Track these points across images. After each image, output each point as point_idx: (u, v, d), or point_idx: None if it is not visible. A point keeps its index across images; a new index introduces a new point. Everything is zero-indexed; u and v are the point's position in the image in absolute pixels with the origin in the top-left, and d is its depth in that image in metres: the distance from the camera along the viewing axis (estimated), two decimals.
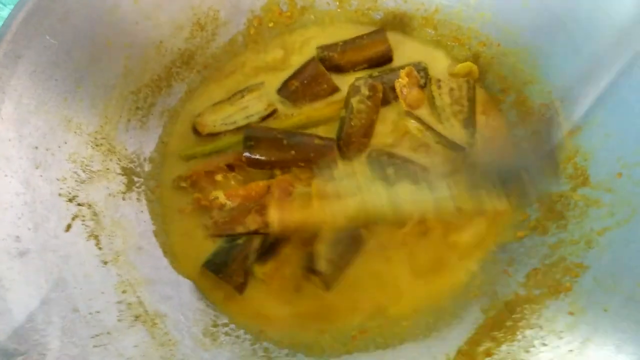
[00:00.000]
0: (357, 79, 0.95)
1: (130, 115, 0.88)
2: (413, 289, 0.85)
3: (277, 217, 0.83)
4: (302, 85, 0.98)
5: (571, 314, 0.72)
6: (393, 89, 0.97)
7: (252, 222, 0.85)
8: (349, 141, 0.91)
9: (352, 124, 0.92)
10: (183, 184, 0.91)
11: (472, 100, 0.96)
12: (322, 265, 0.81)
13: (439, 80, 0.98)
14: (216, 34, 1.00)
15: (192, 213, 0.89)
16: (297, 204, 0.84)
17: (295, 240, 0.86)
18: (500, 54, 0.97)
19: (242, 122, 0.96)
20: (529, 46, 0.93)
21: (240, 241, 0.85)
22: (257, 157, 0.88)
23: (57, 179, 0.76)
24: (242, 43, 1.03)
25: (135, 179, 0.87)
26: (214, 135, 0.95)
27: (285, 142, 0.89)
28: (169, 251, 0.86)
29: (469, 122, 0.95)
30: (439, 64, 1.04)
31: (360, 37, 1.03)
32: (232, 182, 0.91)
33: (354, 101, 0.93)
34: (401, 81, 0.95)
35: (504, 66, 0.98)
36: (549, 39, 0.90)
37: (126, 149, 0.87)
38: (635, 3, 0.77)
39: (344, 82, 1.00)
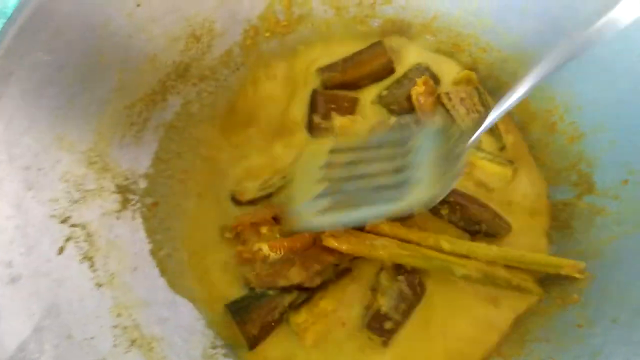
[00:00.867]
0: (400, 117, 0.93)
1: (124, 131, 0.86)
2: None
3: (331, 240, 0.80)
4: (323, 117, 0.96)
5: (579, 326, 0.70)
6: (408, 99, 0.96)
7: (295, 275, 0.80)
8: None
9: None
10: (228, 235, 0.88)
11: (486, 106, 0.94)
12: (388, 325, 0.78)
13: (447, 93, 0.96)
14: (212, 45, 0.98)
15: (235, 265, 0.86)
16: (352, 231, 0.80)
17: (333, 294, 0.82)
18: (500, 60, 0.95)
19: (279, 183, 0.92)
20: (530, 52, 0.91)
21: (271, 292, 0.81)
22: None
23: (50, 200, 0.74)
24: (238, 54, 1.01)
25: (130, 196, 0.85)
26: (253, 202, 0.92)
27: None
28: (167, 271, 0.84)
29: (492, 127, 0.92)
30: (442, 70, 1.02)
31: (359, 52, 1.01)
32: (277, 235, 0.87)
33: None
34: (418, 89, 0.93)
35: (504, 72, 0.96)
36: (550, 45, 0.88)
37: (120, 166, 0.85)
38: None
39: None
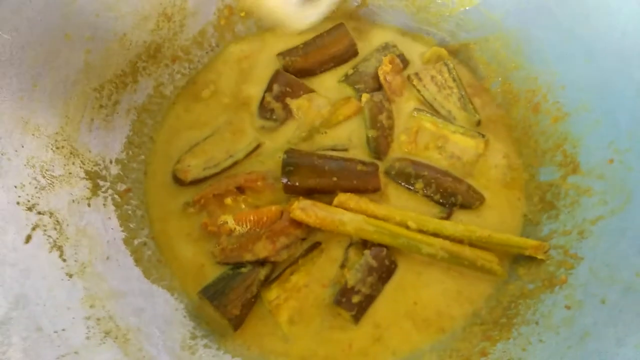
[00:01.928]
0: (372, 94, 0.91)
1: (93, 115, 0.82)
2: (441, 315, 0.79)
3: (299, 210, 0.78)
4: (275, 98, 0.93)
5: (567, 307, 0.69)
6: (374, 77, 0.94)
7: (261, 250, 0.78)
8: (384, 154, 0.90)
9: (388, 140, 0.90)
10: (191, 210, 0.85)
11: (457, 80, 0.94)
12: (356, 299, 0.76)
13: (416, 74, 0.94)
14: (184, 24, 0.94)
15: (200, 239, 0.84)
16: (320, 205, 0.79)
17: (304, 268, 0.80)
18: (482, 40, 0.94)
19: (225, 164, 0.89)
20: (512, 31, 0.90)
21: (244, 269, 0.78)
22: (297, 183, 0.82)
23: (15, 186, 0.70)
24: (212, 35, 0.97)
25: (101, 182, 0.80)
26: (198, 182, 0.88)
27: (326, 167, 0.84)
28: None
29: (464, 100, 0.92)
30: (410, 51, 1.00)
31: (320, 35, 0.98)
32: (243, 206, 0.85)
33: (382, 118, 0.90)
34: (385, 68, 0.92)
35: (486, 52, 0.94)
36: (533, 24, 0.87)
37: (90, 151, 0.81)
38: None
39: (315, 85, 0.97)
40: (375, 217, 0.80)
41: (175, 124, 0.94)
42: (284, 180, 0.82)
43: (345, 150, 0.90)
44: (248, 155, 0.90)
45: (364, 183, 0.84)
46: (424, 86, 0.93)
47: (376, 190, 0.85)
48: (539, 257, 0.77)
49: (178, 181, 0.87)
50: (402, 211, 0.81)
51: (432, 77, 0.93)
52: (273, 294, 0.77)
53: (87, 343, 0.65)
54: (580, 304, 0.68)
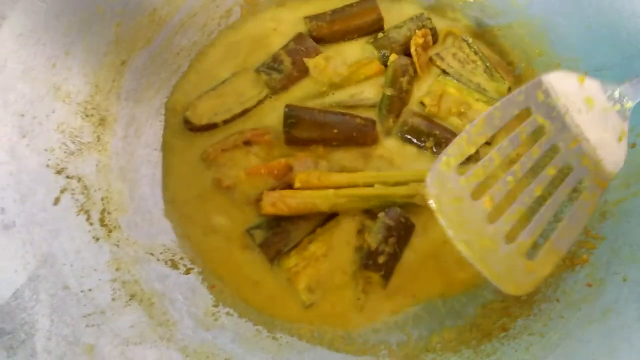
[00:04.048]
0: (398, 57, 0.93)
1: (121, 86, 0.83)
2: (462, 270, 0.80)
3: (269, 205, 0.79)
4: (288, 55, 0.94)
5: (589, 285, 0.70)
6: (402, 45, 0.95)
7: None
8: (395, 114, 0.91)
9: (403, 102, 0.92)
10: (202, 166, 0.86)
11: (479, 53, 0.95)
12: (382, 259, 0.77)
13: (437, 54, 0.95)
14: (212, 2, 0.96)
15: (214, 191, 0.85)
16: (287, 193, 0.80)
17: (322, 238, 0.81)
18: (506, 26, 0.95)
19: (237, 110, 0.90)
20: (536, 18, 0.91)
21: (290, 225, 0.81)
22: (298, 135, 0.86)
23: (45, 150, 0.71)
24: (238, 14, 0.99)
25: (127, 151, 0.82)
26: (211, 128, 0.89)
27: (326, 120, 0.87)
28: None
29: (490, 70, 0.93)
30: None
31: (350, 5, 1.00)
32: (252, 157, 0.87)
33: (403, 81, 0.92)
34: (418, 40, 0.93)
35: (510, 39, 0.95)
36: (557, 11, 0.88)
37: (116, 121, 0.82)
38: None
39: (337, 51, 0.98)
40: (341, 187, 0.81)
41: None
42: (286, 132, 0.86)
43: (355, 107, 0.92)
44: (259, 103, 0.92)
45: (362, 135, 0.88)
46: (447, 64, 0.94)
47: (374, 142, 0.89)
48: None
49: (190, 125, 0.89)
50: (363, 173, 0.85)
51: (454, 55, 0.94)
52: (292, 261, 0.78)
53: (112, 304, 0.66)
54: (602, 281, 0.69)
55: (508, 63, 0.96)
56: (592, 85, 0.68)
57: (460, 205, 0.61)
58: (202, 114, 0.89)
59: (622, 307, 0.64)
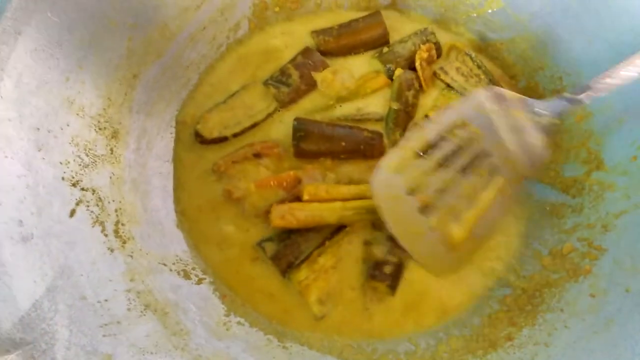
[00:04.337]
0: (405, 71, 0.95)
1: (134, 99, 0.85)
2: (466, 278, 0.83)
3: (278, 218, 0.81)
4: (296, 69, 0.96)
5: (592, 296, 0.71)
6: (407, 59, 0.97)
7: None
8: (401, 128, 0.93)
9: (409, 116, 0.94)
10: (212, 178, 0.89)
11: (482, 67, 0.97)
12: (388, 270, 0.79)
13: (441, 68, 0.97)
14: (222, 16, 0.97)
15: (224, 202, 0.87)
16: (296, 206, 0.82)
17: (331, 250, 0.83)
18: (509, 41, 0.97)
19: (247, 123, 0.93)
20: (538, 33, 0.93)
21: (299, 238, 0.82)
22: (307, 148, 0.88)
23: (60, 163, 0.72)
24: (246, 28, 1.00)
25: (139, 163, 0.83)
26: (221, 141, 0.92)
27: (334, 133, 0.89)
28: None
29: (493, 84, 0.94)
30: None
31: (356, 20, 1.02)
32: (262, 169, 0.89)
33: (409, 95, 0.93)
34: (422, 54, 0.95)
35: (512, 53, 0.97)
36: (559, 26, 0.90)
37: (128, 134, 0.84)
38: None
39: (343, 65, 1.00)
40: (348, 199, 0.83)
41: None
42: (295, 145, 0.88)
43: (362, 120, 0.94)
44: (268, 116, 0.94)
45: (369, 148, 0.90)
46: (451, 78, 0.96)
47: (381, 154, 0.89)
48: None
49: (200, 139, 0.91)
50: (370, 185, 0.84)
51: (458, 69, 0.97)
52: (302, 274, 0.80)
53: (128, 314, 0.68)
54: (605, 292, 0.70)
55: (511, 77, 0.98)
56: (518, 101, 0.81)
57: (398, 201, 0.79)
58: (212, 128, 0.91)
59: (626, 317, 0.66)
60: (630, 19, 0.81)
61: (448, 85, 0.96)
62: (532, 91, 0.95)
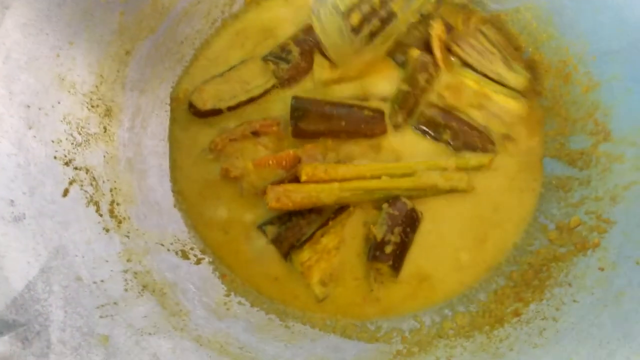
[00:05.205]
0: (421, 54, 0.92)
1: (127, 75, 0.82)
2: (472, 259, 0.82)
3: (274, 201, 0.79)
4: (297, 45, 0.93)
5: (601, 269, 0.70)
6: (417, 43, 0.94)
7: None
8: (406, 110, 0.90)
9: (418, 99, 0.91)
10: (209, 156, 0.86)
11: (496, 43, 0.93)
12: (389, 249, 0.77)
13: (455, 42, 0.94)
14: None
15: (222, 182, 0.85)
16: (291, 188, 0.80)
17: (334, 230, 0.81)
18: (513, 11, 0.94)
19: (242, 97, 0.90)
20: (543, 2, 0.90)
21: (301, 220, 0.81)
22: (305, 127, 0.85)
23: (52, 141, 0.70)
24: (242, 2, 0.98)
25: (134, 142, 0.81)
26: (215, 114, 0.89)
27: (334, 112, 0.86)
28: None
29: (509, 62, 0.91)
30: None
31: None
32: (260, 148, 0.87)
33: (421, 79, 0.90)
34: (438, 31, 0.91)
35: (517, 23, 0.94)
36: None
37: (122, 111, 0.81)
38: None
39: None
40: (347, 180, 0.82)
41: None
42: (293, 125, 0.85)
43: (366, 99, 0.92)
44: (266, 92, 0.91)
45: (370, 127, 0.88)
46: (466, 53, 0.92)
47: (382, 133, 0.88)
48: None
49: (194, 109, 0.88)
50: (370, 165, 0.84)
51: (472, 45, 0.93)
52: (305, 255, 0.78)
53: (125, 295, 0.66)
54: (614, 265, 0.69)
55: (516, 48, 0.95)
56: None
57: (334, 18, 0.84)
58: (207, 99, 0.89)
59: (636, 290, 0.64)
60: None
61: (464, 63, 0.93)
62: (538, 63, 0.92)
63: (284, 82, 0.92)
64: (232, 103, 0.89)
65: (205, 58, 0.94)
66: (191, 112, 0.89)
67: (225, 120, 0.89)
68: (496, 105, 0.90)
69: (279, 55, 0.92)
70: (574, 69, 0.86)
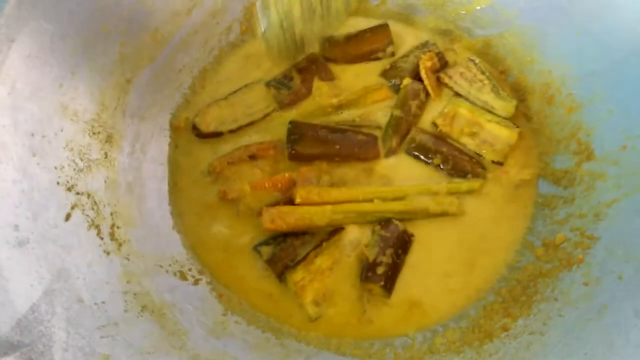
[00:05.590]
0: (412, 82, 0.95)
1: (127, 103, 0.86)
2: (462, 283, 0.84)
3: (269, 222, 0.82)
4: (299, 72, 0.97)
5: (585, 284, 0.72)
6: (411, 72, 0.97)
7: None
8: (400, 135, 0.93)
9: (409, 125, 0.93)
10: (208, 179, 0.90)
11: (486, 72, 0.96)
12: (380, 270, 0.79)
13: (445, 72, 0.97)
14: (213, 19, 0.98)
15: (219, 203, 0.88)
16: (286, 210, 0.82)
17: (328, 252, 0.83)
18: (498, 36, 0.98)
19: (244, 121, 0.94)
20: (526, 28, 0.94)
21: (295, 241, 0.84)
22: (301, 150, 0.88)
23: (55, 167, 0.73)
24: (238, 31, 1.01)
25: (134, 167, 0.84)
26: (216, 136, 0.93)
27: (329, 137, 0.90)
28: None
29: (497, 89, 0.94)
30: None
31: (364, 31, 1.02)
32: (257, 171, 0.90)
33: (412, 105, 0.93)
34: (427, 64, 0.94)
35: (502, 48, 0.98)
36: (546, 21, 0.91)
37: (122, 138, 0.84)
38: None
39: (344, 72, 1.01)
40: (340, 202, 0.84)
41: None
42: (289, 148, 0.88)
43: (362, 126, 0.94)
44: (266, 116, 0.95)
45: (364, 151, 0.91)
46: (455, 82, 0.95)
47: (376, 157, 0.91)
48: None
49: (197, 132, 0.92)
50: (362, 188, 0.87)
51: (462, 74, 0.96)
52: (298, 275, 0.80)
53: (125, 316, 0.68)
54: (598, 280, 0.71)
55: (501, 72, 0.98)
56: None
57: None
58: (209, 122, 0.93)
59: (618, 304, 0.66)
60: (615, 11, 0.82)
61: (456, 94, 0.96)
62: (522, 85, 0.95)
63: (284, 105, 0.96)
64: (233, 126, 0.94)
65: (204, 85, 0.99)
66: (194, 134, 0.93)
67: (224, 142, 0.93)
68: (489, 134, 0.92)
69: (281, 81, 0.96)
70: (557, 91, 0.89)
